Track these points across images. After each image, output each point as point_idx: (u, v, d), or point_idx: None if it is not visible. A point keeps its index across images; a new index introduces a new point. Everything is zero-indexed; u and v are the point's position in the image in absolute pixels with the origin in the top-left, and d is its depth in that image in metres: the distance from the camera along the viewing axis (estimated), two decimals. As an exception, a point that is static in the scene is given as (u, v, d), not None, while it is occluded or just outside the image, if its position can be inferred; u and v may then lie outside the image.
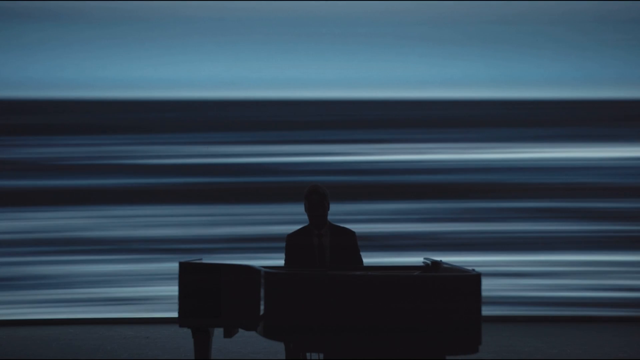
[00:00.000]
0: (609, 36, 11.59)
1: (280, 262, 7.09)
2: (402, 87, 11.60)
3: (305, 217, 7.02)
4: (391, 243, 11.40)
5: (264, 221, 11.48)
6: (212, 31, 11.58)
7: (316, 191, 6.97)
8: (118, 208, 11.52)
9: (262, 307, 6.41)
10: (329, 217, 7.03)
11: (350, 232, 7.05)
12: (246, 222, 11.53)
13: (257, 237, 11.42)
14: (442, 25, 11.59)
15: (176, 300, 7.09)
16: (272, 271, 6.47)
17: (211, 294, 6.95)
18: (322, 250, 6.94)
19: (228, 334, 7.12)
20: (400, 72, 11.58)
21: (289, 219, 10.81)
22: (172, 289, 7.44)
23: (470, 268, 6.51)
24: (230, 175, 11.57)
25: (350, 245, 7.02)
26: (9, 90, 11.50)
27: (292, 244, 6.99)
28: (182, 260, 7.23)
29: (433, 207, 11.56)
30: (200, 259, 7.43)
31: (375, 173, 11.58)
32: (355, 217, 10.92)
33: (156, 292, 11.36)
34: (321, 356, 6.67)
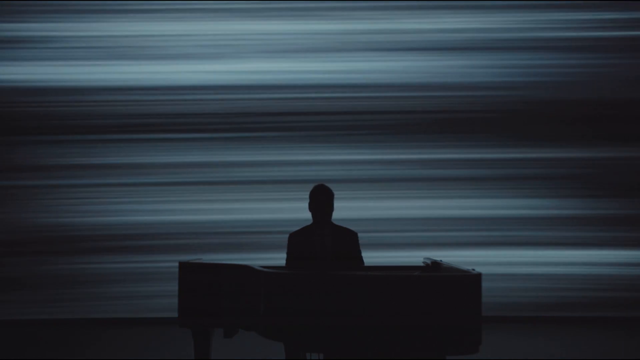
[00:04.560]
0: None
1: (282, 262, 7.09)
2: (402, 87, 11.60)
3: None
4: (391, 242, 11.39)
5: (264, 221, 11.47)
6: (211, 30, 11.59)
7: (323, 191, 6.97)
8: (117, 207, 11.51)
9: (262, 307, 6.41)
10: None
11: (353, 233, 7.05)
12: (246, 221, 11.53)
13: (257, 237, 11.42)
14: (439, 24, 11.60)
15: (176, 301, 7.09)
16: (271, 271, 6.48)
17: (211, 294, 6.95)
18: (324, 250, 6.94)
19: (228, 334, 7.12)
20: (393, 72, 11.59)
21: (289, 218, 10.80)
22: (172, 289, 7.44)
23: (470, 268, 6.51)
24: (230, 174, 11.57)
25: (352, 246, 7.02)
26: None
27: (294, 243, 6.98)
28: (182, 260, 7.23)
29: (433, 205, 11.55)
30: (200, 259, 7.43)
31: (372, 172, 11.58)
32: (354, 217, 10.91)
33: (156, 292, 11.35)
34: (321, 356, 6.67)
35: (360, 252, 7.07)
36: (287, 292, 6.24)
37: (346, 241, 7.00)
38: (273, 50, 11.59)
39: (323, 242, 6.96)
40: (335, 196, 7.01)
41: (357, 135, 11.61)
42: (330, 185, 7.05)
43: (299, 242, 6.97)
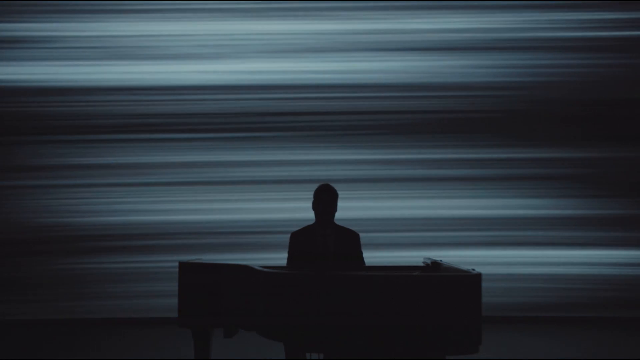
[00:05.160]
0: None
1: (282, 262, 7.09)
2: (402, 87, 11.60)
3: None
4: (391, 243, 11.39)
5: (264, 221, 11.47)
6: (210, 29, 11.60)
7: (328, 190, 6.97)
8: (117, 207, 11.51)
9: (262, 307, 6.41)
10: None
11: (355, 234, 7.05)
12: (246, 221, 11.53)
13: (257, 237, 11.42)
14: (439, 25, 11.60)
15: (176, 301, 7.09)
16: (271, 271, 6.48)
17: (211, 294, 6.95)
18: (326, 250, 6.94)
19: (228, 334, 7.12)
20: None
21: (289, 218, 10.80)
22: (172, 289, 7.44)
23: (470, 268, 6.51)
24: (230, 174, 11.57)
25: (353, 247, 7.01)
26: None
27: (296, 242, 6.98)
28: (182, 260, 7.23)
29: (433, 205, 11.55)
30: (200, 259, 7.43)
31: (372, 172, 11.58)
32: (354, 217, 10.91)
33: (156, 292, 11.35)
34: (321, 356, 6.67)
35: (361, 254, 7.07)
36: (287, 292, 6.24)
37: (348, 242, 7.00)
38: (273, 50, 11.59)
39: (325, 242, 6.96)
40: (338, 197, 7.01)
41: (357, 135, 11.60)
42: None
43: (301, 241, 6.97)
